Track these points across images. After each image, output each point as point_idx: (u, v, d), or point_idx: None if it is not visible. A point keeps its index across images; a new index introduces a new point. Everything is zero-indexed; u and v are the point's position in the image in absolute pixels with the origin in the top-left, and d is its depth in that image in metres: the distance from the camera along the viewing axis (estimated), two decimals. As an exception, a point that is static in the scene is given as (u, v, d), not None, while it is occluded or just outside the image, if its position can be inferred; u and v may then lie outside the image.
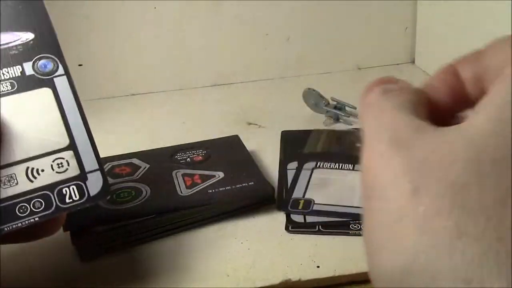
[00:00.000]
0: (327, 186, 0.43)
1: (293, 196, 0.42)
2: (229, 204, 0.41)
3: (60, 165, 0.30)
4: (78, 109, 0.31)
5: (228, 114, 0.61)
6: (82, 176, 0.30)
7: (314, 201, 0.41)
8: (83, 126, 0.31)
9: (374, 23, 0.73)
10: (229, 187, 0.41)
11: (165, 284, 0.35)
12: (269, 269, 0.35)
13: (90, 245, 0.37)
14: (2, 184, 0.29)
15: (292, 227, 0.39)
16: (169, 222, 0.39)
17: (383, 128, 0.19)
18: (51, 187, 0.30)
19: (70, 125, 0.31)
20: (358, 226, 0.38)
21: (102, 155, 0.49)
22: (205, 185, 0.41)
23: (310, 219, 0.40)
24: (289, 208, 0.41)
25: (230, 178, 0.43)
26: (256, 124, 0.58)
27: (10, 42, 0.31)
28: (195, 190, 0.41)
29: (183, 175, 0.44)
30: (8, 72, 0.30)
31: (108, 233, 0.37)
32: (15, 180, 0.29)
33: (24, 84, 0.31)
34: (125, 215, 0.38)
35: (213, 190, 0.41)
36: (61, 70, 0.31)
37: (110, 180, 0.44)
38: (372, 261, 0.18)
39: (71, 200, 0.30)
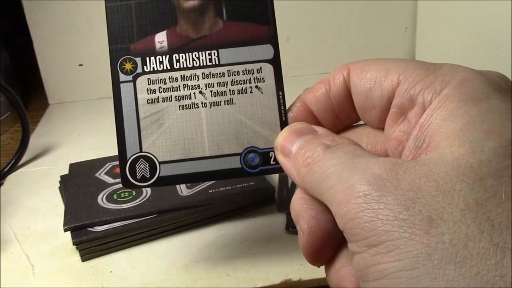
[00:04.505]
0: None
1: (293, 196, 0.42)
2: (229, 204, 0.41)
3: None
4: None
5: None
6: None
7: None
8: None
9: (374, 23, 0.73)
10: (229, 187, 0.41)
11: (165, 284, 0.35)
12: (269, 269, 0.35)
13: (90, 245, 0.37)
14: None
15: (292, 227, 0.39)
16: (169, 222, 0.39)
17: (355, 174, 0.17)
18: None
19: None
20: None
21: (102, 155, 0.49)
22: (206, 185, 0.41)
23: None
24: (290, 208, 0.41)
25: (230, 178, 0.43)
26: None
27: None
28: (195, 190, 0.41)
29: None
30: None
31: (108, 233, 0.37)
32: None
33: None
34: (125, 215, 0.38)
35: (214, 190, 0.41)
36: None
37: (110, 180, 0.44)
38: None
39: None
